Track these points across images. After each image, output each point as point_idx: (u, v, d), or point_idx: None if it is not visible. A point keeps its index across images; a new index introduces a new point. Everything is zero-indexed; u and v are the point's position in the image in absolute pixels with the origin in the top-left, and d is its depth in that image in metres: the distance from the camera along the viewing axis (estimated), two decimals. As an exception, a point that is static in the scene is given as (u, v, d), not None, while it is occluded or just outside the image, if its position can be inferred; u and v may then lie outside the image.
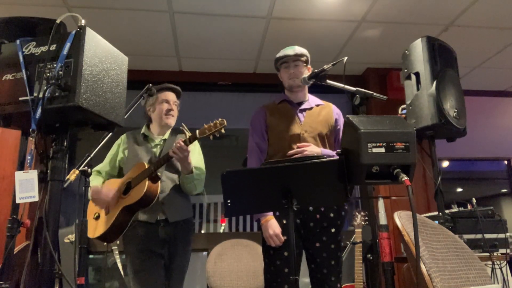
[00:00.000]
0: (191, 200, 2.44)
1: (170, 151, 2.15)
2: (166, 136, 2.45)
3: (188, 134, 2.15)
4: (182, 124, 2.22)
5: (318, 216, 2.05)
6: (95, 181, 2.33)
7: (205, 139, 2.15)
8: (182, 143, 2.12)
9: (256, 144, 2.19)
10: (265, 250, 2.06)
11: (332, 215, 2.07)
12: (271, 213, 2.05)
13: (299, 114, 2.19)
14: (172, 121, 2.42)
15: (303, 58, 2.19)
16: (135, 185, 2.20)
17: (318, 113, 2.22)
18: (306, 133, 2.13)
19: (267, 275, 2.04)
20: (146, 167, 2.20)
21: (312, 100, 2.28)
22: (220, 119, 2.10)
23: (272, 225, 2.00)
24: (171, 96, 2.43)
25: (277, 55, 2.23)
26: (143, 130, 2.46)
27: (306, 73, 2.17)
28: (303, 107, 2.22)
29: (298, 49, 2.20)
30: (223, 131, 2.10)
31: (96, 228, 2.24)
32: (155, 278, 2.16)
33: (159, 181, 2.23)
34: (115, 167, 2.43)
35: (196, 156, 2.38)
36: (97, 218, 2.28)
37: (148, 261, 2.17)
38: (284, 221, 2.04)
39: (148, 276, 2.15)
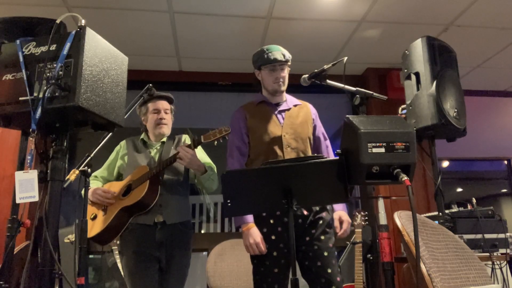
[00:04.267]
0: (189, 200, 2.44)
1: (178, 158, 2.14)
2: (164, 139, 2.45)
3: (193, 138, 2.17)
4: (188, 129, 2.22)
5: (305, 212, 2.03)
6: (93, 185, 2.34)
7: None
8: (187, 148, 2.14)
9: (236, 147, 2.14)
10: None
11: (324, 215, 2.06)
12: (252, 221, 2.00)
13: (279, 116, 2.16)
14: (165, 129, 2.41)
15: (289, 62, 2.16)
16: (136, 187, 2.20)
17: (297, 114, 2.19)
18: (287, 135, 2.10)
19: (256, 276, 2.00)
20: (148, 170, 2.21)
21: (289, 100, 2.25)
22: (225, 127, 2.12)
23: (253, 234, 1.95)
24: (161, 104, 2.41)
25: (265, 56, 2.11)
26: (142, 136, 2.46)
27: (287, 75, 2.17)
28: (281, 108, 2.19)
29: (287, 53, 2.15)
30: (227, 138, 2.12)
31: (91, 228, 2.24)
32: (148, 281, 2.15)
33: (159, 184, 2.23)
34: (113, 174, 2.43)
35: (200, 154, 2.38)
36: (94, 218, 2.28)
37: (142, 264, 2.17)
38: (272, 221, 2.00)
39: (142, 278, 2.14)
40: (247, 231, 1.97)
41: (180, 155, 2.14)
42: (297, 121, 2.16)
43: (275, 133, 2.10)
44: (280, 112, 2.18)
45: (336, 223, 2.07)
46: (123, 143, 2.46)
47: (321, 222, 2.03)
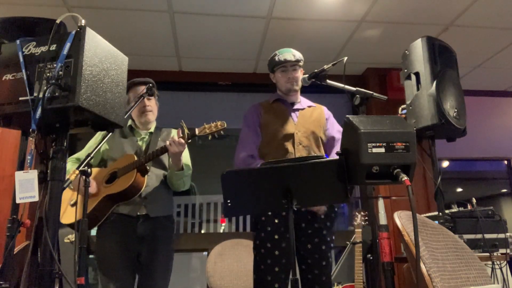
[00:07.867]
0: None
1: (167, 144, 2.10)
2: (152, 129, 2.41)
3: (187, 131, 2.13)
4: (182, 121, 2.20)
5: (309, 217, 2.06)
6: (74, 168, 2.27)
7: (205, 139, 2.15)
8: (182, 140, 2.09)
9: (251, 139, 2.20)
10: (256, 249, 2.06)
11: (322, 216, 2.09)
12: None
13: (292, 114, 2.23)
14: (150, 116, 2.36)
15: (301, 63, 2.23)
16: (122, 175, 2.15)
17: (311, 114, 2.26)
18: (299, 132, 2.16)
19: (255, 274, 2.03)
20: (136, 159, 2.16)
21: (304, 101, 2.32)
22: (220, 121, 2.10)
23: None
24: (141, 90, 2.31)
25: (276, 58, 2.22)
26: (130, 122, 2.41)
27: (301, 76, 2.22)
28: (296, 107, 2.26)
29: (297, 54, 2.22)
30: (222, 133, 2.10)
31: (71, 215, 2.16)
32: (122, 276, 2.12)
33: (146, 175, 2.19)
34: (98, 158, 2.34)
35: (184, 153, 2.30)
36: (74, 205, 2.19)
37: (119, 259, 2.13)
38: (276, 220, 2.03)
39: (116, 272, 2.11)
40: None
41: (171, 143, 2.08)
42: (310, 120, 2.22)
43: (288, 130, 2.15)
44: (294, 110, 2.25)
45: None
46: None
47: (324, 232, 2.07)
